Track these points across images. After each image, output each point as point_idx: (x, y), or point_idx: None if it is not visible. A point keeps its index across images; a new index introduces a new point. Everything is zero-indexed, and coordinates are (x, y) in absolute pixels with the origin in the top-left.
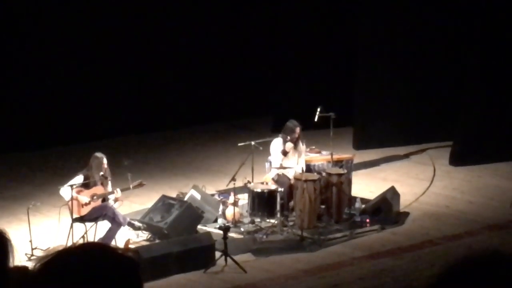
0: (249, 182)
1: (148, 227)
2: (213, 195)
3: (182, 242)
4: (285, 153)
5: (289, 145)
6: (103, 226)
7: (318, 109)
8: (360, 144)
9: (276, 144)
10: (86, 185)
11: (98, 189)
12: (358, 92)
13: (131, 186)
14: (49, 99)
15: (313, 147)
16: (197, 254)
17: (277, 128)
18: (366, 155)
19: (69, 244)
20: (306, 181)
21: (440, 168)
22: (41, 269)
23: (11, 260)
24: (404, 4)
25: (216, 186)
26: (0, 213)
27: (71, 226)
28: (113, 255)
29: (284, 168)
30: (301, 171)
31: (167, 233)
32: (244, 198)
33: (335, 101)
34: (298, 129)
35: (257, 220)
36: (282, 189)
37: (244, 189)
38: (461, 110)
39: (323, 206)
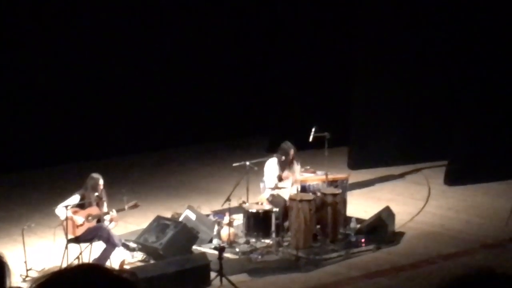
0: (244, 202)
1: (143, 248)
2: (208, 215)
3: (177, 262)
4: (280, 179)
5: (286, 174)
6: (98, 247)
7: (313, 129)
8: (355, 164)
9: (271, 164)
10: (81, 206)
11: (93, 210)
12: (353, 112)
13: (126, 207)
14: (45, 120)
15: (308, 167)
16: (192, 274)
17: (272, 148)
18: (361, 175)
19: (64, 265)
20: (301, 201)
21: (435, 188)
22: None
23: (8, 283)
24: (400, 25)
25: (211, 206)
26: None
27: (66, 247)
28: (109, 276)
29: (279, 188)
30: (296, 191)
31: (162, 254)
32: (239, 219)
33: (330, 121)
34: (291, 151)
35: (252, 240)
36: (277, 209)
37: (239, 209)
38: (456, 130)
39: (318, 226)
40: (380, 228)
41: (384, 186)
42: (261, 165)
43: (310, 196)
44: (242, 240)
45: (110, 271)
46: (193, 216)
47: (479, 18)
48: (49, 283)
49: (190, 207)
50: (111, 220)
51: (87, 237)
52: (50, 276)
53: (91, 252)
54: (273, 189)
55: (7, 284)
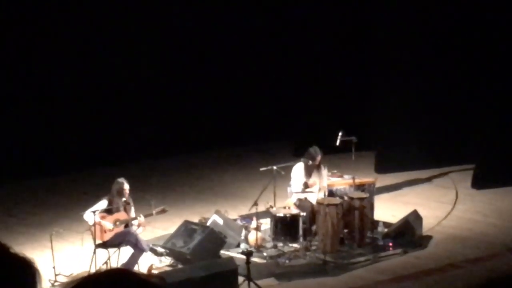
0: (271, 206)
1: (171, 253)
2: (235, 220)
3: (205, 267)
4: (307, 186)
5: (312, 181)
6: (126, 252)
7: (340, 133)
8: (382, 168)
9: (298, 169)
10: (109, 211)
11: (121, 215)
12: (379, 116)
13: (154, 212)
14: (72, 124)
15: (335, 171)
16: (220, 279)
17: (298, 153)
18: (388, 179)
19: (92, 270)
20: (328, 205)
21: (463, 191)
22: None
23: None
24: (423, 28)
25: (239, 211)
26: (24, 240)
27: (94, 252)
28: (138, 281)
29: (306, 192)
30: (323, 196)
31: (189, 258)
32: (266, 223)
33: (357, 125)
34: (319, 157)
35: (280, 244)
36: (305, 214)
37: (266, 213)
38: (483, 134)
39: (345, 230)
40: (407, 232)
41: (412, 190)
42: (288, 169)
43: (337, 200)
44: (269, 244)
45: (139, 275)
46: (220, 221)
47: (506, 19)
48: None
49: (217, 212)
50: (138, 225)
51: (115, 242)
52: (79, 281)
53: (119, 257)
54: (300, 193)
55: None
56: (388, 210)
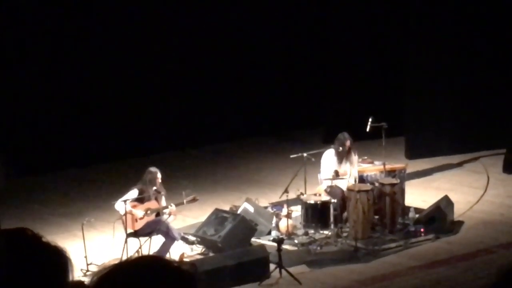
0: (302, 193)
1: (202, 241)
2: (266, 207)
3: (236, 255)
4: (337, 174)
5: (343, 171)
6: (157, 240)
7: (370, 119)
8: (412, 153)
9: (328, 156)
10: (140, 200)
11: (152, 204)
12: (409, 101)
13: (185, 201)
14: (102, 114)
15: (366, 157)
16: (251, 266)
17: (328, 139)
18: (419, 165)
19: (124, 259)
20: (359, 191)
21: (494, 176)
22: (99, 282)
23: (70, 278)
24: (454, 13)
25: (269, 198)
26: (55, 229)
27: (126, 241)
28: (170, 268)
29: (336, 179)
30: (353, 182)
31: (221, 247)
32: (297, 210)
33: (387, 111)
34: (348, 142)
35: (311, 231)
36: (335, 200)
37: (297, 201)
38: None
39: (376, 217)
40: (439, 218)
41: (442, 175)
42: (318, 156)
43: (368, 186)
44: (300, 231)
45: (170, 262)
46: (251, 209)
47: None
48: (111, 275)
49: (248, 200)
50: (170, 214)
51: (146, 231)
52: (112, 268)
53: (150, 246)
54: (330, 180)
55: (70, 279)
56: (419, 195)
